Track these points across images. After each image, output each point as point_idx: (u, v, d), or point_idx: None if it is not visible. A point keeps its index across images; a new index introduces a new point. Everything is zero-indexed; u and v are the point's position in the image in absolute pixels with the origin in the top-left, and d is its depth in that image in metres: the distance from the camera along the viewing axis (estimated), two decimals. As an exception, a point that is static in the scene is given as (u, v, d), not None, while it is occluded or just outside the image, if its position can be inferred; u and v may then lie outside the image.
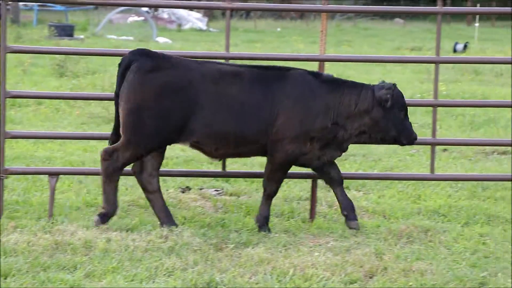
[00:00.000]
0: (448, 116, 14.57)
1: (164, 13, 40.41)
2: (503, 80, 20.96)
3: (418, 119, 13.65)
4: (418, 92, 16.55)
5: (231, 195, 9.25)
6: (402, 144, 7.94)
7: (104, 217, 7.64)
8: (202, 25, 40.02)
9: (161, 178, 8.95)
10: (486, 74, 21.72)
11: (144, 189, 7.83)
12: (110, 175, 7.58)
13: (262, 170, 8.01)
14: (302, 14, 46.12)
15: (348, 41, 32.19)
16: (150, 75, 7.51)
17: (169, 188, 9.26)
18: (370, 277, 6.58)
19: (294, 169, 10.19)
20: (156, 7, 10.86)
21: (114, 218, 7.77)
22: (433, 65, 8.76)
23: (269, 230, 7.77)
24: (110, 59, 17.96)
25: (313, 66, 8.23)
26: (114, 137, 7.71)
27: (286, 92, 7.63)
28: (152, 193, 7.81)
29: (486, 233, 7.85)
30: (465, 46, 28.18)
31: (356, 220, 7.93)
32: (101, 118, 13.53)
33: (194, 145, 7.70)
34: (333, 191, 8.03)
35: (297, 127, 7.61)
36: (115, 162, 7.55)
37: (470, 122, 14.16)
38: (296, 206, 8.76)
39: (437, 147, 11.36)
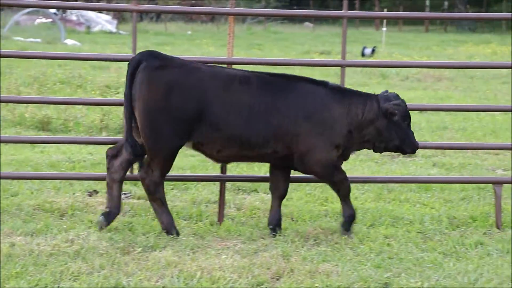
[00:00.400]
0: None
1: (73, 15, 39.92)
2: (408, 84, 21.41)
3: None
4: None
5: (139, 198, 9.17)
6: (405, 153, 8.08)
7: (168, 231, 7.65)
8: (111, 27, 39.70)
9: (66, 182, 8.84)
10: (393, 78, 22.14)
11: (109, 174, 7.82)
12: (153, 191, 7.63)
13: (170, 174, 7.93)
14: (212, 17, 46.15)
15: (259, 45, 32.37)
16: (156, 73, 7.54)
17: (76, 192, 9.15)
18: (277, 279, 6.61)
19: (202, 172, 10.21)
20: (63, 8, 10.72)
21: (19, 222, 7.64)
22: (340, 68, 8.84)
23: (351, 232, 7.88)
24: (17, 61, 17.62)
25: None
26: (132, 140, 7.58)
27: (299, 101, 7.70)
28: (115, 182, 7.80)
29: (390, 235, 7.97)
30: (373, 50, 28.64)
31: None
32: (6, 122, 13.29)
33: (197, 146, 7.69)
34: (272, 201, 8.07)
35: (320, 137, 7.69)
36: (152, 177, 7.59)
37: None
38: (204, 209, 8.75)
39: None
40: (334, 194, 9.34)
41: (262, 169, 10.71)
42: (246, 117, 7.58)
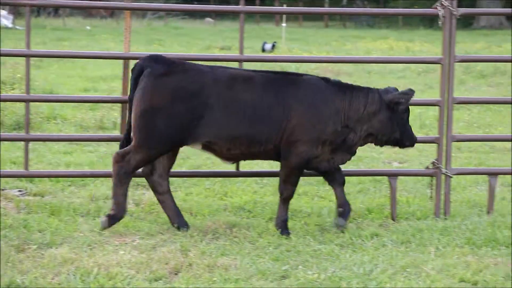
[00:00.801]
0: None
1: (-33, 10, 38.94)
2: (308, 78, 21.55)
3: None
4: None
5: (35, 195, 9.03)
6: (404, 146, 8.20)
7: (113, 219, 7.71)
8: (8, 22, 38.83)
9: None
10: (292, 73, 22.22)
11: (155, 191, 8.03)
12: (122, 178, 7.66)
13: (66, 170, 7.83)
14: (112, 12, 45.63)
15: (159, 40, 32.15)
16: (163, 79, 7.66)
17: (-31, 190, 8.95)
18: (175, 274, 6.60)
19: (100, 168, 10.09)
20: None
21: None
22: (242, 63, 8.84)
23: (288, 234, 7.85)
24: None
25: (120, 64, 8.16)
26: (125, 141, 7.81)
27: (298, 96, 7.81)
28: (162, 194, 7.99)
29: (289, 228, 8.02)
30: (273, 46, 28.79)
31: (346, 221, 8.11)
32: None
33: (206, 147, 7.80)
34: (333, 190, 8.23)
35: (310, 131, 7.77)
36: (127, 165, 7.64)
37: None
38: (103, 205, 8.64)
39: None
40: (233, 189, 9.44)
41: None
42: (250, 116, 7.71)
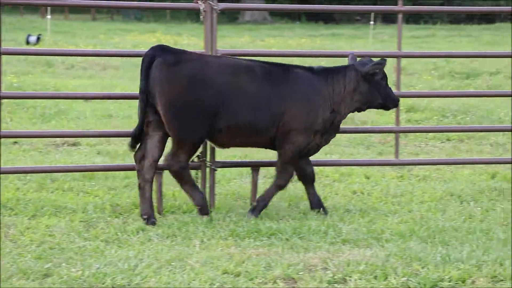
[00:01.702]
0: (20, 109, 14.36)
1: None
2: (74, 72, 21.25)
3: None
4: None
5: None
6: (388, 109, 8.62)
7: (202, 212, 8.20)
8: None
9: None
10: (58, 67, 21.85)
11: (141, 176, 8.17)
12: (181, 175, 8.09)
13: None
14: None
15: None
16: (176, 68, 7.92)
17: None
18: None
19: None
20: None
21: None
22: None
23: (256, 216, 8.25)
24: None
25: None
26: (138, 132, 8.06)
27: (292, 88, 8.17)
28: (146, 182, 8.15)
29: (53, 225, 7.88)
30: (38, 38, 28.05)
31: (327, 213, 8.51)
32: None
33: (209, 134, 8.09)
34: (305, 188, 8.61)
35: (304, 120, 8.12)
36: (179, 162, 8.04)
37: (42, 114, 14.11)
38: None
39: (7, 140, 11.24)
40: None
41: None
42: (253, 105, 8.05)
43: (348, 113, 8.54)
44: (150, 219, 8.09)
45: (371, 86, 8.42)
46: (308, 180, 8.63)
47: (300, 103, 8.21)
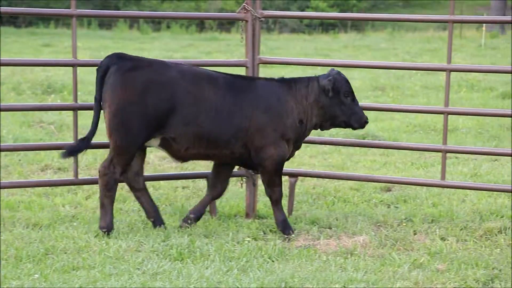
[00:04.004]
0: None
1: None
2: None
3: None
4: None
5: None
6: (354, 128, 8.22)
7: (108, 233, 7.86)
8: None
9: None
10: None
11: (131, 188, 8.17)
12: (111, 188, 7.84)
13: None
14: None
15: None
16: (131, 74, 7.72)
17: None
18: None
19: None
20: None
21: None
22: None
23: (293, 231, 8.13)
24: None
25: None
26: (87, 140, 7.85)
27: (256, 100, 7.96)
28: (139, 191, 8.15)
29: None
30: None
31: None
32: None
33: (166, 143, 7.88)
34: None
35: (272, 132, 7.94)
36: (113, 173, 7.81)
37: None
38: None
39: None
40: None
41: None
42: (213, 116, 7.83)
43: (311, 129, 8.25)
44: (159, 222, 8.19)
45: (331, 102, 8.11)
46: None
47: (265, 115, 7.97)
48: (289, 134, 8.05)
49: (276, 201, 8.20)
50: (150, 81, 7.75)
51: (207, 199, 8.43)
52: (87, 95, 16.68)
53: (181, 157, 8.05)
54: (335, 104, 8.10)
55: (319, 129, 8.34)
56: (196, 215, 8.32)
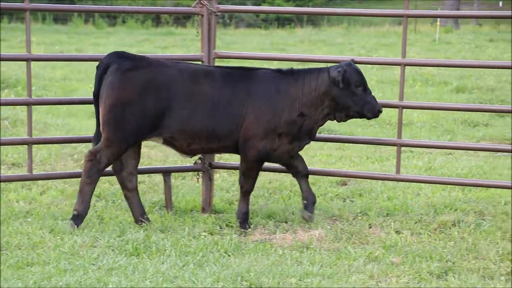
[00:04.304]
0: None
1: None
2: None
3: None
4: None
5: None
6: (368, 118, 8.15)
7: (78, 219, 7.92)
8: None
9: None
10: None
11: (124, 187, 8.21)
12: (92, 175, 7.89)
13: None
14: None
15: None
16: (130, 74, 7.81)
17: None
18: None
19: None
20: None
21: None
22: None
23: (249, 226, 8.18)
24: None
25: None
26: (97, 137, 7.98)
27: (253, 91, 7.96)
28: (131, 191, 8.20)
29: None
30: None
31: (312, 213, 8.33)
32: None
33: (167, 141, 7.97)
34: (298, 182, 8.46)
35: (265, 125, 7.92)
36: (98, 163, 7.88)
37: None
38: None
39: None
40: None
41: None
42: (211, 110, 7.88)
43: (322, 120, 8.19)
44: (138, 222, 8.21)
45: (343, 93, 8.05)
46: (299, 175, 8.47)
47: (260, 106, 7.97)
48: (283, 128, 8.02)
49: (245, 192, 8.25)
50: (149, 81, 7.84)
51: (303, 181, 8.43)
52: (42, 90, 16.61)
53: (187, 153, 8.15)
54: (346, 95, 8.05)
55: (335, 120, 8.26)
56: (313, 200, 8.41)
